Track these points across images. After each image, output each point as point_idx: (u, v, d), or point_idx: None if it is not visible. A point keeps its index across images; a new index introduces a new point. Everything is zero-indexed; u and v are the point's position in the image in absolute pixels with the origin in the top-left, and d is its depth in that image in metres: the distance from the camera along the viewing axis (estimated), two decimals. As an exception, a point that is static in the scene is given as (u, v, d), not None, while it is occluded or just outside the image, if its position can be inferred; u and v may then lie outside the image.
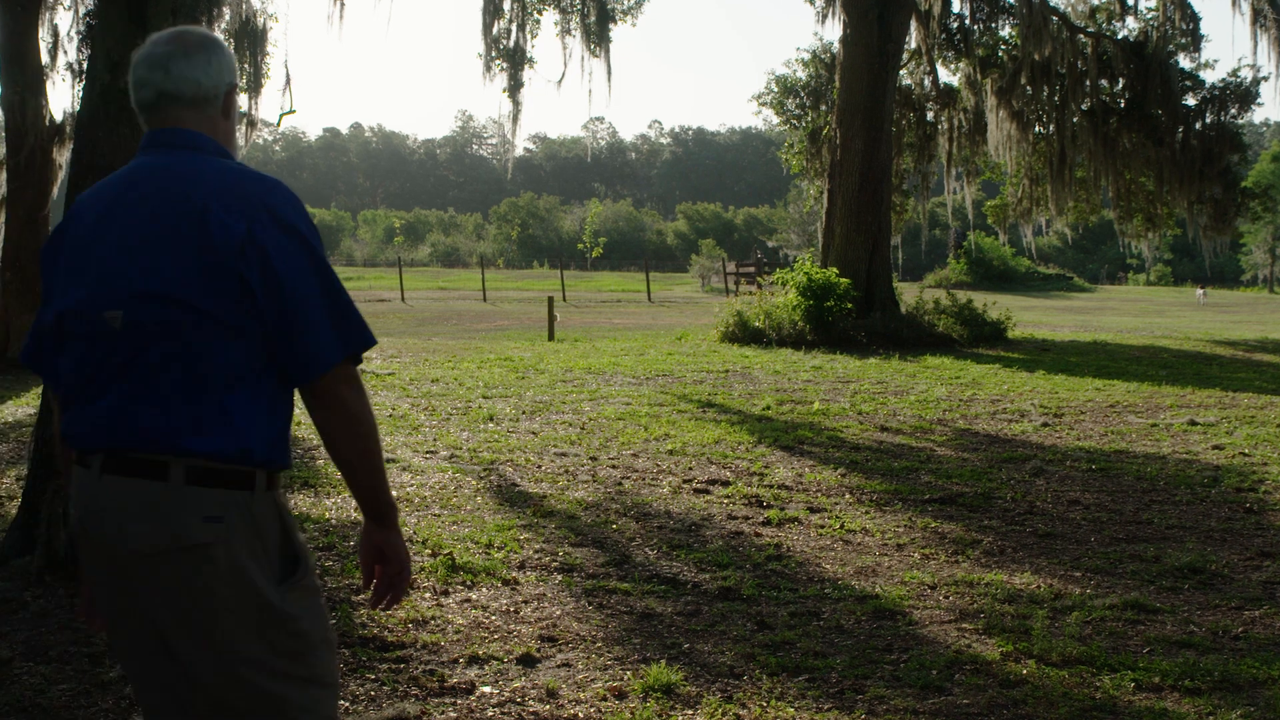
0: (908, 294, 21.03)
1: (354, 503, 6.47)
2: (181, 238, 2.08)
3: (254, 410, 2.13)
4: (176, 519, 2.05)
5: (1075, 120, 22.10)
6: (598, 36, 16.69)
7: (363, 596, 2.25)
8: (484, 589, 5.12)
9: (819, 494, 7.25)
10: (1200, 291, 44.39)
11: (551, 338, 19.54)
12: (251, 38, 14.40)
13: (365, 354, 2.37)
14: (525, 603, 4.94)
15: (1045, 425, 10.11)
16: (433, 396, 11.55)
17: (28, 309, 13.69)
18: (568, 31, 16.98)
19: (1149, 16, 22.17)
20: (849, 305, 18.38)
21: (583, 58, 16.84)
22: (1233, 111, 22.14)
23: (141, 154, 2.24)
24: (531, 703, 3.85)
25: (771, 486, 7.42)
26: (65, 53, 14.15)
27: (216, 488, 2.08)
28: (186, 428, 2.07)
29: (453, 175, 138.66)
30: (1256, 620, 4.73)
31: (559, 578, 5.31)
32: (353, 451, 2.19)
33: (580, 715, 3.76)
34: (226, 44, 2.38)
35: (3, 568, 5.04)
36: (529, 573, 5.39)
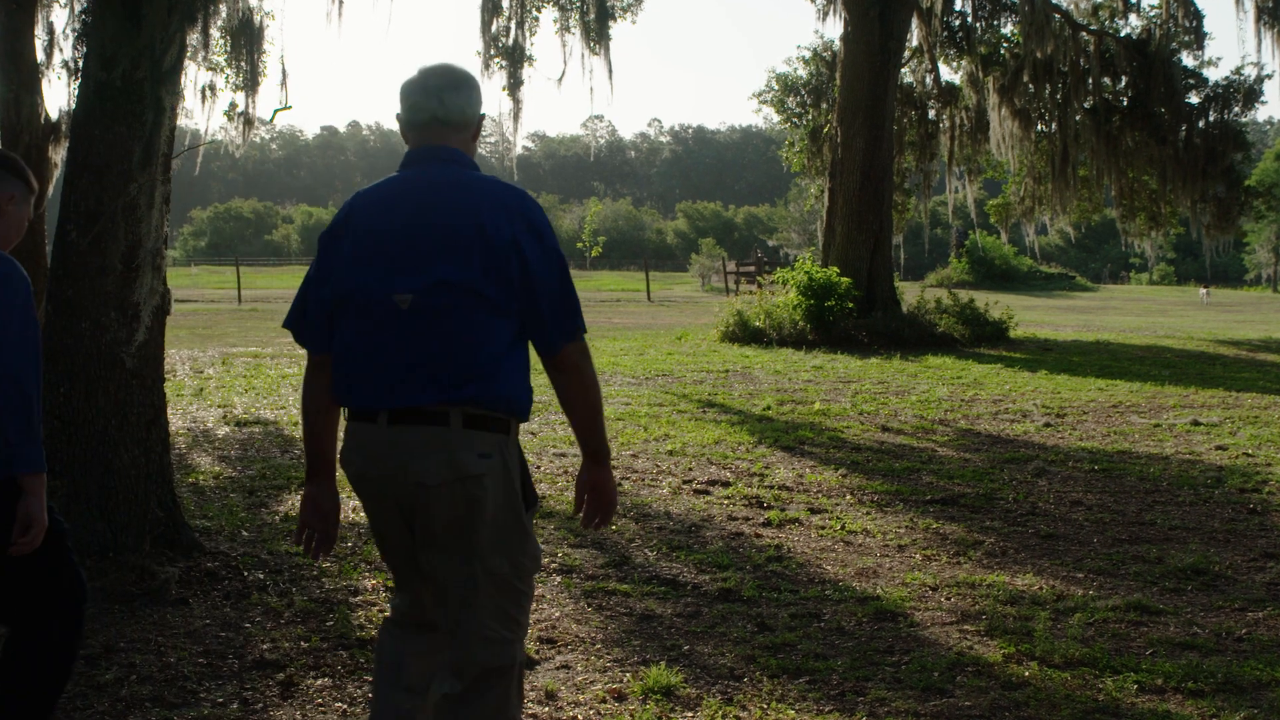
0: (909, 293, 21.02)
1: (353, 504, 6.47)
2: (463, 237, 2.60)
3: (512, 371, 2.65)
4: (458, 456, 2.58)
5: (1078, 118, 22.09)
6: (597, 34, 16.66)
7: (578, 519, 2.97)
8: (482, 590, 5.11)
9: (820, 495, 7.25)
10: (1203, 291, 44.36)
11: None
12: (248, 35, 14.38)
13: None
14: (524, 604, 4.93)
15: (1047, 425, 10.11)
16: (431, 396, 11.53)
17: (23, 308, 13.65)
18: (567, 29, 16.95)
19: (1151, 14, 22.17)
20: (850, 305, 18.37)
21: (583, 55, 16.82)
22: (1236, 110, 22.14)
23: (412, 165, 2.75)
24: (530, 705, 3.85)
25: (772, 487, 7.42)
26: (61, 50, 14.13)
27: (486, 431, 2.62)
28: (462, 386, 2.59)
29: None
30: (1260, 622, 4.73)
31: (558, 579, 5.31)
32: (583, 406, 2.74)
33: (579, 717, 3.76)
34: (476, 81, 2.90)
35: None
36: (528, 574, 5.39)
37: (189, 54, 6.78)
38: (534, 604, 4.91)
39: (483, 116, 2.89)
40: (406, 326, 2.61)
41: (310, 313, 2.78)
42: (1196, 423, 10.22)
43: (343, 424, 2.84)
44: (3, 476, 2.74)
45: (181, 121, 12.86)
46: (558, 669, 4.19)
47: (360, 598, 4.95)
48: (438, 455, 2.57)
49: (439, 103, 2.76)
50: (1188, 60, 22.31)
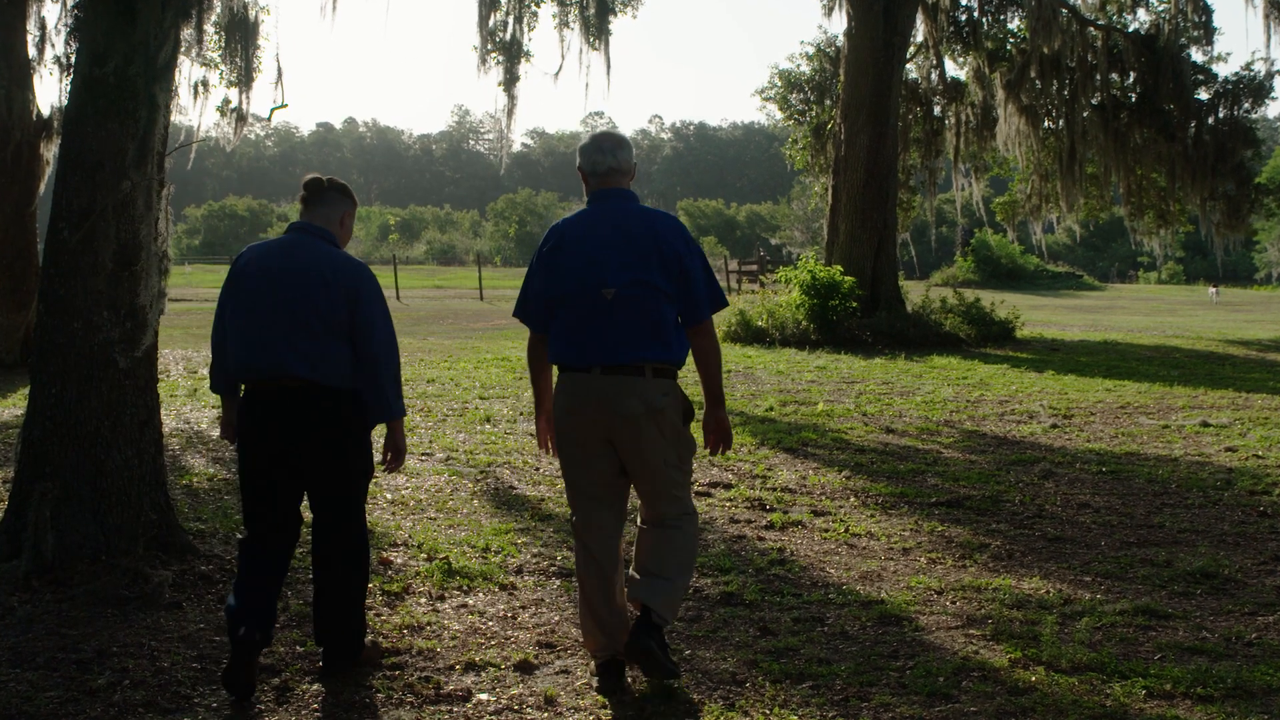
0: (914, 292, 21.03)
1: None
2: (647, 249, 3.97)
3: (678, 339, 4.04)
4: (649, 395, 3.96)
5: (1085, 115, 22.09)
6: (596, 29, 16.65)
7: (706, 452, 4.41)
8: (481, 594, 5.12)
9: (823, 497, 7.25)
10: (1213, 290, 44.34)
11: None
12: (242, 30, 14.37)
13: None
14: (523, 608, 4.94)
15: (1054, 427, 10.11)
16: (428, 397, 11.55)
17: (14, 308, 13.63)
18: (566, 24, 16.94)
19: (1160, 9, 22.16)
20: (854, 304, 18.37)
21: (581, 50, 16.80)
22: (1246, 106, 22.13)
23: (600, 201, 4.11)
24: (529, 710, 3.85)
25: (775, 489, 7.42)
26: (53, 45, 14.08)
27: (665, 378, 4.00)
28: (651, 349, 3.96)
29: (449, 171, 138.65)
30: (1270, 626, 4.73)
31: (557, 582, 5.31)
32: (712, 361, 4.12)
33: (579, 723, 3.76)
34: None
35: (-11, 572, 5.04)
36: (527, 577, 5.39)
37: (183, 49, 6.78)
38: (533, 608, 4.94)
39: (635, 164, 4.26)
40: (612, 310, 3.96)
41: (533, 305, 4.16)
42: (1206, 424, 10.22)
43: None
44: (382, 420, 4.14)
45: (175, 118, 12.84)
46: (557, 674, 4.19)
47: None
48: (638, 395, 3.95)
49: (614, 157, 4.13)
50: (1197, 56, 22.31)
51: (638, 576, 4.06)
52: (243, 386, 4.15)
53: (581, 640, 4.22)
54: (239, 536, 4.45)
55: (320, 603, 4.15)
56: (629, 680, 4.09)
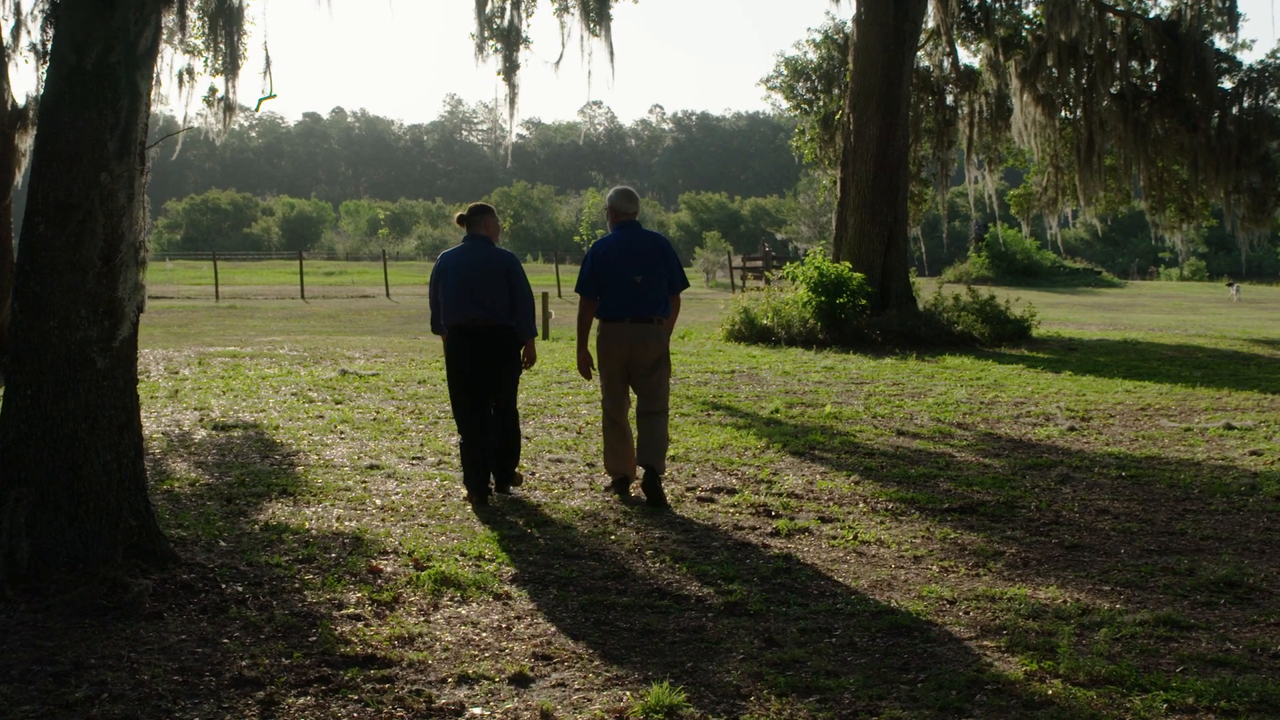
0: (926, 289, 21.04)
1: (334, 513, 6.48)
2: (655, 254, 7.46)
3: (668, 302, 7.54)
4: (660, 337, 7.46)
5: (1104, 104, 22.07)
6: (597, 15, 16.62)
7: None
8: (474, 604, 5.12)
9: (831, 503, 7.26)
10: (1234, 288, 44.33)
11: (546, 336, 19.54)
12: (227, 16, 14.36)
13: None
14: (518, 618, 4.94)
15: (1072, 429, 10.11)
16: (419, 399, 11.55)
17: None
18: (566, 9, 16.92)
19: (1183, -7, 22.14)
20: (863, 302, 18.38)
21: (581, 37, 16.76)
22: (1272, 95, 22.12)
23: (625, 228, 7.54)
24: (525, 725, 3.85)
25: (780, 495, 7.43)
26: (29, 33, 14.05)
27: (662, 325, 7.49)
28: (659, 309, 7.45)
29: (441, 163, 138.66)
30: (1297, 637, 4.73)
31: (554, 592, 5.32)
32: (676, 314, 7.68)
33: (577, 738, 3.76)
34: None
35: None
36: (522, 586, 5.39)
37: (164, 36, 6.78)
38: (529, 619, 4.94)
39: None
40: (639, 289, 7.30)
41: (588, 285, 7.41)
42: (1230, 426, 10.22)
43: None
44: (524, 339, 7.46)
45: (157, 108, 12.80)
46: (554, 687, 4.19)
47: (345, 611, 4.95)
48: (653, 336, 7.34)
49: (634, 205, 7.65)
50: (1220, 43, 22.32)
51: (646, 449, 7.21)
52: (447, 328, 7.35)
53: (607, 471, 7.57)
54: (457, 440, 7.70)
55: (498, 450, 7.26)
56: (631, 494, 7.28)
